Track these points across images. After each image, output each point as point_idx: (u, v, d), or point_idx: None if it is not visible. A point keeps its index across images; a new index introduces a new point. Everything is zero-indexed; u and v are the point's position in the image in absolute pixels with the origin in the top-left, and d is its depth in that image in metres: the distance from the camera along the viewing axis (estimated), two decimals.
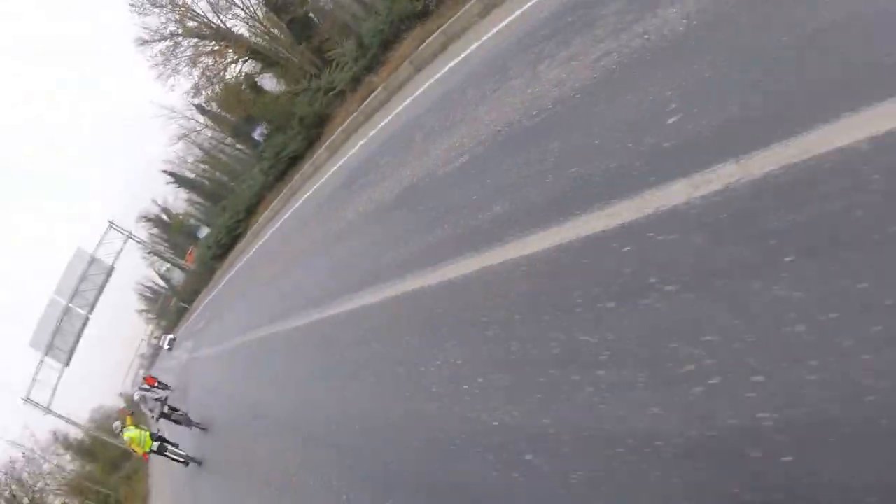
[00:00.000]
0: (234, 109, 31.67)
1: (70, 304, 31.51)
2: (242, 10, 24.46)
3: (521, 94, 5.20)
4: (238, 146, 38.24)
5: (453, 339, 3.94)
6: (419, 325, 4.60)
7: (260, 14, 24.55)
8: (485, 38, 7.40)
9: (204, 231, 46.66)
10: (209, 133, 39.66)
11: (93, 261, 32.38)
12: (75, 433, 45.44)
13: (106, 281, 32.92)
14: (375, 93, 11.49)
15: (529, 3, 6.51)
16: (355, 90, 13.41)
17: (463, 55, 7.88)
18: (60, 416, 35.04)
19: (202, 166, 49.60)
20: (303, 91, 16.96)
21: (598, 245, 3.04)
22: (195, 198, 54.60)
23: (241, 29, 25.83)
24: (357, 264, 7.02)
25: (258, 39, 25.44)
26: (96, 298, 32.92)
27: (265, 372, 9.26)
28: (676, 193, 2.73)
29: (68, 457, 47.04)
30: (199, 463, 10.66)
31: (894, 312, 1.69)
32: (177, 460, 11.11)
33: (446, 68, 8.28)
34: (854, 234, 1.94)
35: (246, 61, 27.08)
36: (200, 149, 45.21)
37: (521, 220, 3.89)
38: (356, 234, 7.88)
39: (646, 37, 3.83)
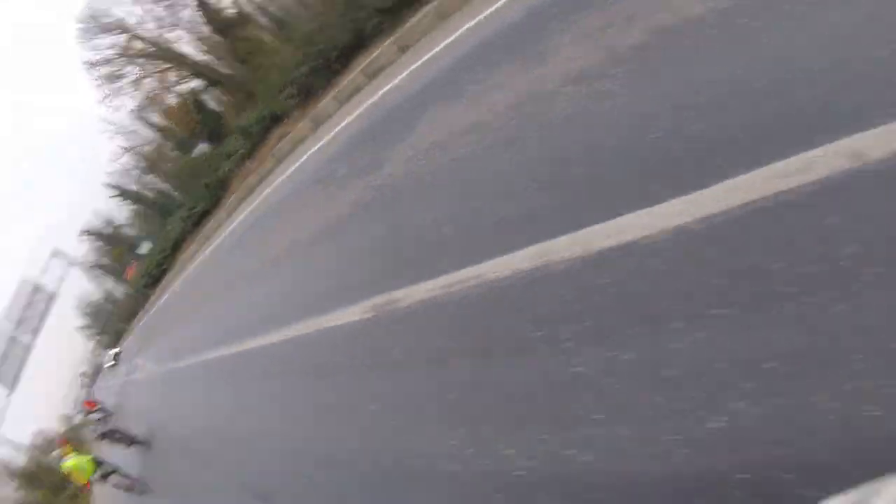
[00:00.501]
0: (179, 123, 34.48)
1: (14, 334, 34.35)
2: (186, 29, 26.96)
3: (324, 208, 8.47)
4: (184, 158, 40.88)
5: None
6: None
7: (205, 32, 26.85)
8: (314, 148, 11.17)
9: (145, 247, 48.94)
10: (154, 145, 42.10)
11: (36, 289, 35.30)
12: (19, 460, 47.07)
13: (48, 307, 35.93)
14: (251, 176, 15.41)
15: (336, 130, 10.16)
16: (242, 167, 17.27)
17: (304, 157, 11.58)
18: (7, 441, 37.67)
19: (147, 178, 51.97)
20: (208, 157, 20.83)
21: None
22: (140, 209, 56.88)
23: (187, 48, 28.20)
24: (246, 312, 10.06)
25: (202, 58, 28.02)
26: (40, 324, 35.84)
27: (189, 395, 11.50)
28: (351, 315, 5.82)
29: (14, 485, 48.28)
30: (143, 491, 10.69)
31: None
32: (120, 487, 11.19)
33: (293, 167, 12.04)
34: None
35: (189, 81, 29.78)
36: (146, 160, 47.45)
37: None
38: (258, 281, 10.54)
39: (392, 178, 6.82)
